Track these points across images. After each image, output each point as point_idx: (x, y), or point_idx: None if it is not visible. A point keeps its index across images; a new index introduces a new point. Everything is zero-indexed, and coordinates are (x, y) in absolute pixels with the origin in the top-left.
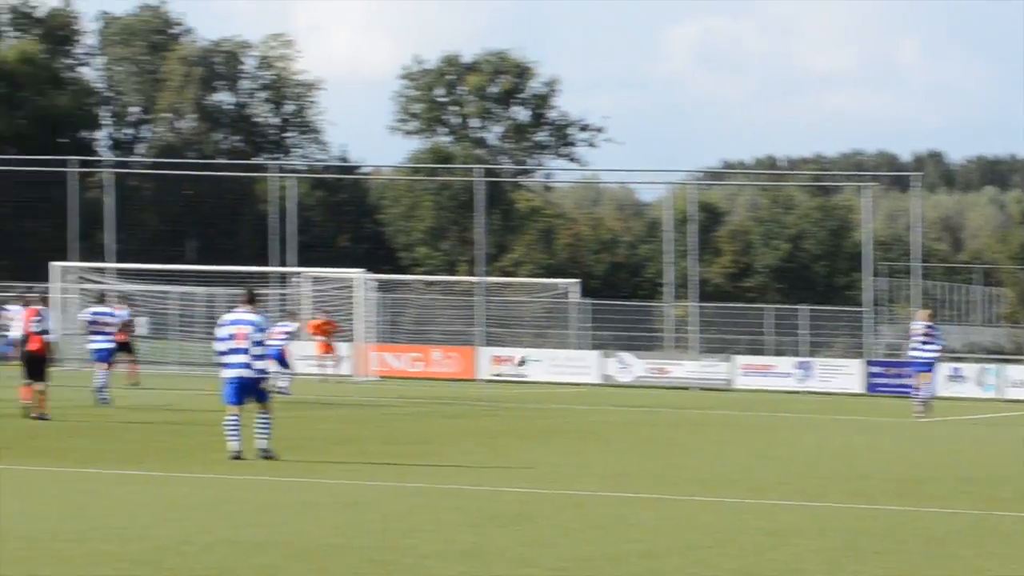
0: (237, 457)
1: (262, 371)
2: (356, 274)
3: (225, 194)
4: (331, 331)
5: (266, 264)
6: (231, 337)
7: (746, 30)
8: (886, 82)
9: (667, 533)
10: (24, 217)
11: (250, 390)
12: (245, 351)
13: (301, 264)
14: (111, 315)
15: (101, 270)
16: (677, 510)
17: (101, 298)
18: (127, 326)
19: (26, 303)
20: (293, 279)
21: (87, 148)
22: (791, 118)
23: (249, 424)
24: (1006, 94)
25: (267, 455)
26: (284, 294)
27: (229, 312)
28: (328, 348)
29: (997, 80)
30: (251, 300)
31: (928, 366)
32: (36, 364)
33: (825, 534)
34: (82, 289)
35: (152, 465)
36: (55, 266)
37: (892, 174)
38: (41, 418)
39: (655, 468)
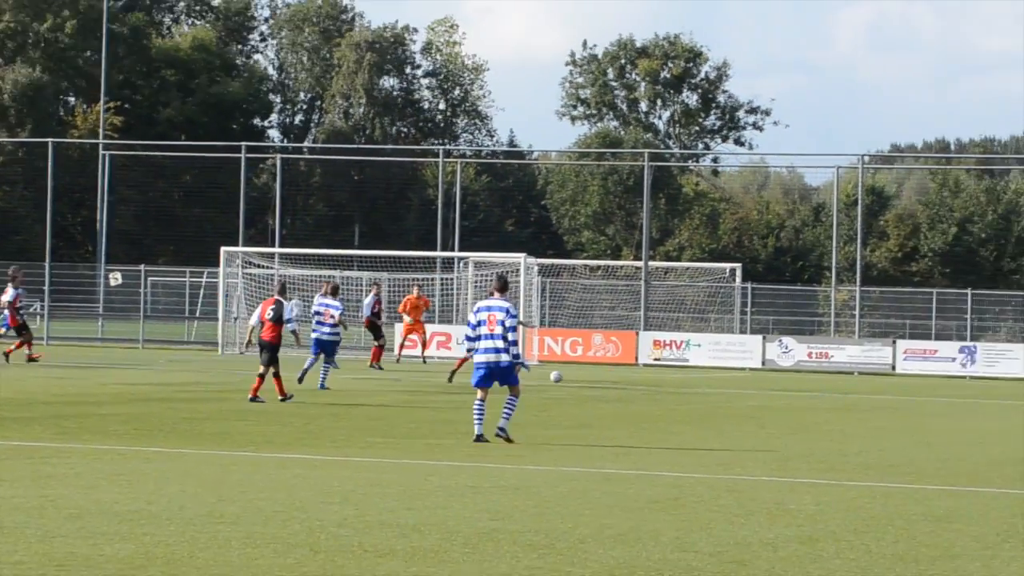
0: (479, 439)
1: (516, 356)
2: (520, 258)
3: (391, 180)
4: (424, 309)
5: (431, 249)
6: (482, 323)
7: (917, 12)
8: None
9: (824, 518)
10: (193, 203)
11: (500, 375)
12: (495, 336)
13: (465, 249)
14: (336, 307)
15: (269, 255)
16: (835, 495)
17: (335, 290)
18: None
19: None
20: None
21: (257, 134)
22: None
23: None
24: None
25: (504, 436)
26: (447, 279)
27: (482, 299)
28: (418, 328)
29: None
30: (503, 288)
31: None
32: (270, 350)
33: (984, 519)
34: (247, 274)
35: (312, 448)
36: (224, 251)
37: None
38: (255, 400)
39: (814, 453)
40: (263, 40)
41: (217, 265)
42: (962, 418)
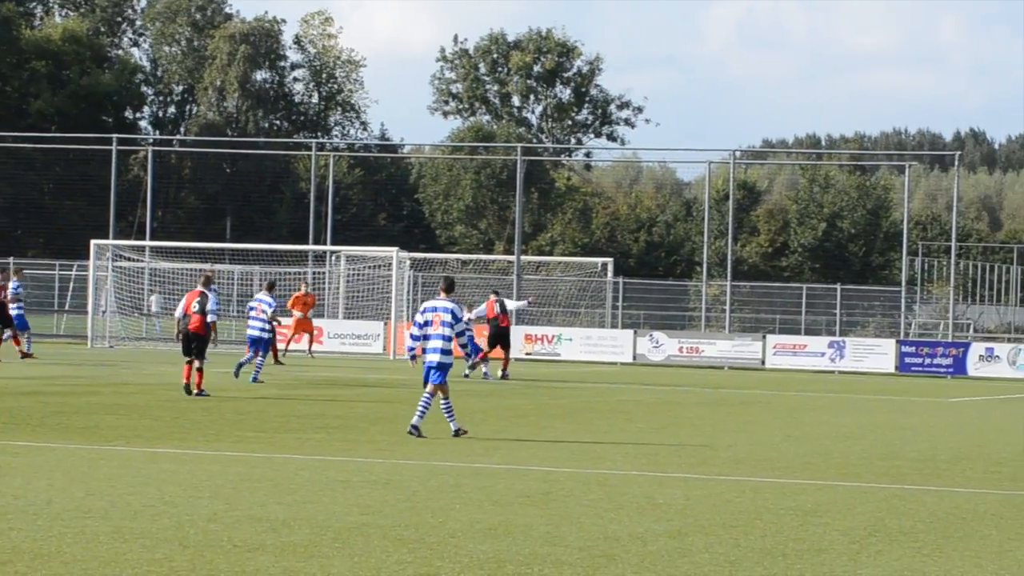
0: (413, 431)
1: (469, 354)
2: (392, 252)
3: (264, 173)
4: (312, 306)
5: (303, 242)
6: (428, 323)
7: (788, 8)
8: (929, 60)
9: (694, 512)
10: (64, 195)
11: (439, 373)
12: (441, 336)
13: (338, 242)
14: (268, 303)
15: (139, 248)
16: (704, 489)
17: (271, 287)
18: None
19: None
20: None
21: (129, 127)
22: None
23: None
24: None
25: (460, 432)
26: (319, 272)
27: (429, 300)
28: (307, 324)
29: None
30: (450, 288)
31: None
32: (198, 342)
33: (851, 514)
34: (116, 267)
35: (182, 443)
36: (94, 243)
37: (932, 153)
38: (201, 394)
39: (684, 447)
40: (138, 33)
41: (87, 258)
42: (831, 413)
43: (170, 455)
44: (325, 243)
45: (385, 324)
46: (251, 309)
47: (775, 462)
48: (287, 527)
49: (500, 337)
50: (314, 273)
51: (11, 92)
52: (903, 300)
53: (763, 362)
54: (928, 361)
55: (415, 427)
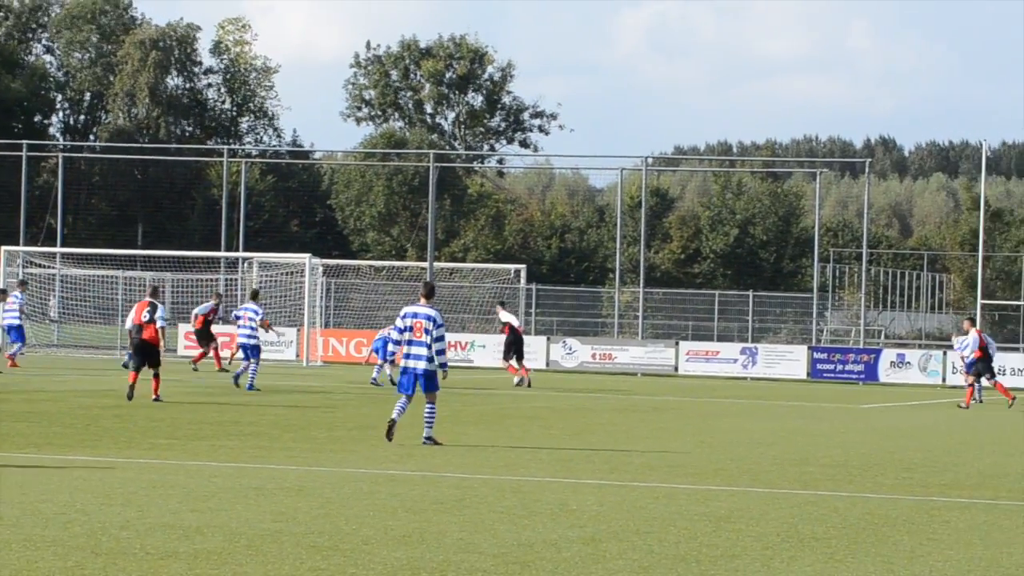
0: (391, 431)
1: (442, 364)
2: (304, 259)
3: (175, 179)
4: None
5: (215, 249)
6: (408, 329)
7: (697, 14)
8: (839, 68)
9: (608, 519)
10: None
11: (423, 380)
12: (421, 343)
13: (250, 249)
14: (254, 311)
15: (51, 255)
16: (618, 496)
17: (255, 295)
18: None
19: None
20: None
21: (40, 133)
22: (744, 104)
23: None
24: (959, 81)
25: (432, 442)
26: (231, 279)
27: (408, 305)
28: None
29: (949, 66)
30: (430, 295)
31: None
32: (150, 352)
33: (764, 520)
34: (27, 273)
35: (94, 450)
36: (4, 250)
37: (843, 160)
38: (157, 400)
39: (598, 454)
40: (50, 39)
41: None
42: (743, 419)
43: (82, 462)
44: (237, 249)
45: (298, 331)
46: (237, 318)
47: (688, 468)
48: (200, 534)
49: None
50: (226, 280)
51: None
52: (815, 306)
53: (676, 368)
54: (840, 367)
55: (394, 421)
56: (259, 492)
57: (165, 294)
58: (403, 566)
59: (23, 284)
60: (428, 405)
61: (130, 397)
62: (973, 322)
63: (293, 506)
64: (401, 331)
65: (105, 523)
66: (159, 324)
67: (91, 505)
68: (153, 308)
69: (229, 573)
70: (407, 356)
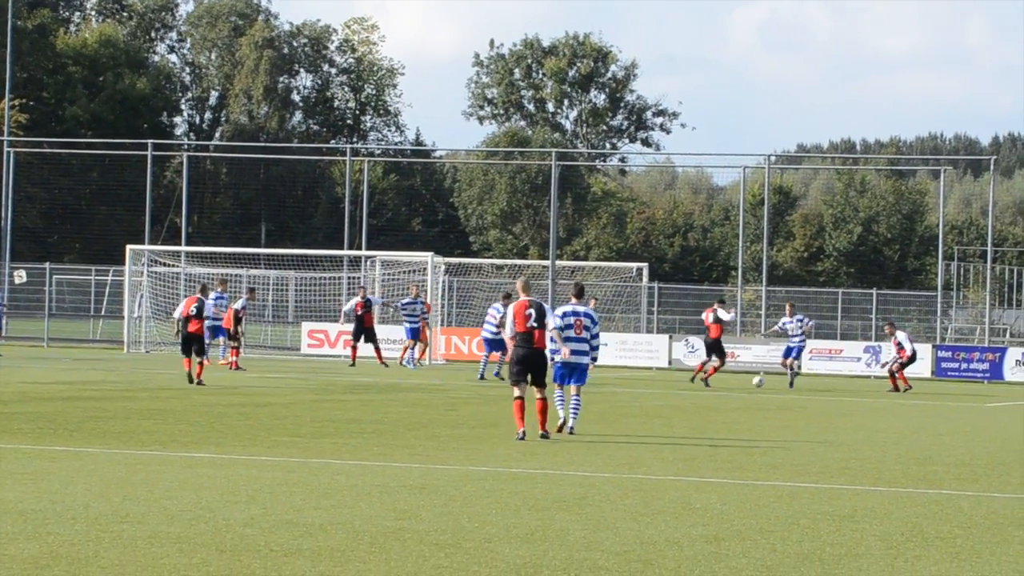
0: (561, 428)
1: (594, 359)
2: (427, 257)
3: (298, 178)
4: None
5: (338, 247)
6: (569, 327)
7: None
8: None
9: (731, 517)
10: (100, 200)
11: (577, 373)
12: (581, 339)
13: (373, 247)
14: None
15: (175, 254)
16: (741, 494)
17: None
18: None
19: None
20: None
21: (165, 132)
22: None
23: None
24: None
25: (572, 431)
26: (354, 277)
27: (566, 304)
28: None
29: None
30: (580, 295)
31: None
32: (197, 342)
33: (888, 519)
34: (151, 272)
35: (219, 447)
36: (130, 249)
37: (967, 158)
38: (200, 384)
39: (720, 452)
40: (180, 37)
41: (123, 263)
42: (867, 418)
43: (207, 460)
44: (360, 248)
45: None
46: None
47: (812, 467)
48: (323, 532)
49: None
50: (349, 279)
51: (47, 98)
52: (939, 305)
53: (799, 367)
54: (964, 366)
55: (569, 428)
56: (382, 490)
57: (289, 292)
58: (525, 564)
59: (224, 283)
60: (575, 397)
61: (190, 380)
62: None
63: (416, 504)
64: (562, 328)
65: (229, 520)
66: (207, 320)
67: (215, 502)
68: (201, 304)
69: (352, 571)
70: (571, 352)
